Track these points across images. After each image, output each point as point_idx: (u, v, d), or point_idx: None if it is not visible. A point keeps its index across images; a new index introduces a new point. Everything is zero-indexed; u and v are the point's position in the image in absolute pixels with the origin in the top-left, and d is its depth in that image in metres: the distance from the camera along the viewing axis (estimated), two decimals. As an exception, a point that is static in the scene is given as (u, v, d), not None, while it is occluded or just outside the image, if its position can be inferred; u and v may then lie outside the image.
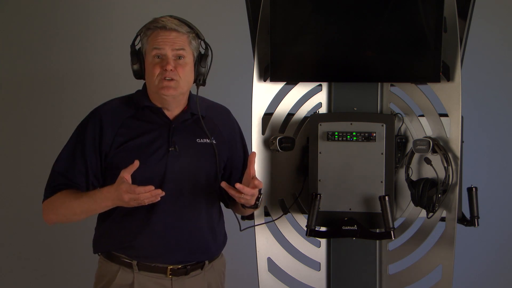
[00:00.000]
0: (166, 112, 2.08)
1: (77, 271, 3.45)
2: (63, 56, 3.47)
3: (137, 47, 2.07)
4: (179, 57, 2.01)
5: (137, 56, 2.06)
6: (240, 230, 2.25)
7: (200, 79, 2.09)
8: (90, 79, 3.48)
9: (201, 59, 2.07)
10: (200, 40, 2.08)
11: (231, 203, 2.18)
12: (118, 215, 2.03)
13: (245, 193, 1.94)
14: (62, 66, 3.47)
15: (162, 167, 2.02)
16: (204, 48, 2.09)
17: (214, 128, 2.14)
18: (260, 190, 2.05)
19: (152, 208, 2.01)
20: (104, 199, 1.94)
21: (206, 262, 2.12)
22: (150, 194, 1.87)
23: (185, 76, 2.03)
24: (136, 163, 1.89)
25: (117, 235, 2.05)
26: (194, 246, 2.07)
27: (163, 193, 1.89)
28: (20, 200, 3.47)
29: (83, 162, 2.03)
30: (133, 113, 2.07)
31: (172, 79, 1.99)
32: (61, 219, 2.06)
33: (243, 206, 2.06)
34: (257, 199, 2.03)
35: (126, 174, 1.88)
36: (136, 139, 2.04)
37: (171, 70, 1.99)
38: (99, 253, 2.12)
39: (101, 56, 3.46)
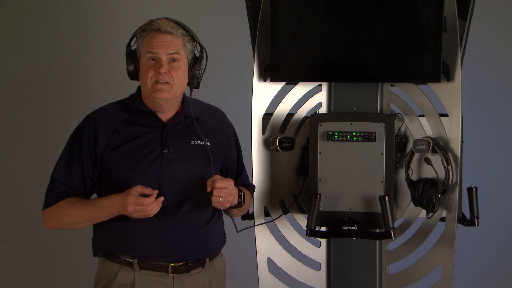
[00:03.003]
0: (160, 115, 2.08)
1: (76, 272, 3.45)
2: (63, 56, 3.47)
3: (132, 48, 2.07)
4: (173, 60, 2.02)
5: (132, 57, 2.06)
6: (237, 232, 2.25)
7: (194, 82, 2.09)
8: (89, 79, 3.48)
9: (195, 62, 2.08)
10: (195, 42, 2.08)
11: None
12: (116, 217, 2.03)
13: (216, 186, 1.98)
14: (62, 66, 3.47)
15: (156, 169, 2.03)
16: (200, 51, 2.10)
17: (209, 131, 2.15)
18: (241, 183, 2.10)
19: None
20: (110, 207, 1.97)
21: (207, 260, 2.12)
22: (156, 203, 1.92)
23: (179, 80, 2.03)
24: (156, 191, 1.94)
25: (117, 236, 2.06)
26: (194, 244, 2.07)
27: (163, 198, 1.95)
28: (20, 200, 3.47)
29: (81, 167, 2.04)
30: (127, 117, 2.08)
31: (165, 82, 2.00)
32: (63, 227, 2.07)
33: (230, 207, 2.08)
34: (239, 196, 2.07)
35: (139, 189, 1.93)
36: (130, 142, 2.04)
37: (165, 73, 1.99)
38: (99, 255, 2.12)
39: (101, 56, 3.46)
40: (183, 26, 2.05)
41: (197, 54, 2.09)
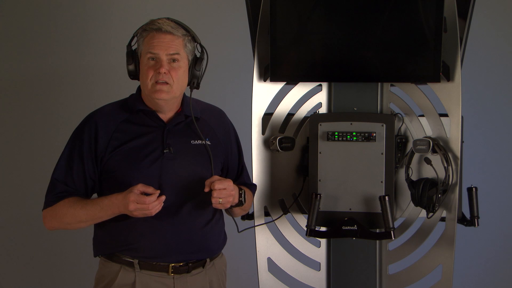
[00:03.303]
0: (160, 115, 2.08)
1: (77, 272, 3.45)
2: (63, 56, 3.47)
3: (133, 47, 2.07)
4: (173, 60, 2.02)
5: (133, 56, 2.06)
6: (238, 232, 2.25)
7: (194, 82, 2.09)
8: (89, 79, 3.48)
9: (196, 63, 2.08)
10: (196, 43, 2.08)
11: None
12: (117, 217, 2.03)
13: (216, 187, 1.97)
14: (62, 66, 3.47)
15: (157, 169, 2.03)
16: (200, 51, 2.09)
17: (209, 130, 2.15)
18: (242, 182, 2.11)
19: None
20: (111, 206, 1.96)
21: (208, 260, 2.12)
22: (158, 202, 1.92)
23: (178, 80, 2.03)
24: (158, 191, 1.93)
25: (118, 237, 2.05)
26: (195, 244, 2.07)
27: (164, 197, 1.95)
28: (20, 200, 3.47)
29: (81, 167, 2.04)
30: (128, 116, 2.08)
31: (165, 83, 2.00)
32: (64, 227, 2.06)
33: (230, 206, 2.08)
34: (240, 195, 2.07)
35: (141, 188, 1.92)
36: (131, 142, 2.04)
37: (165, 73, 1.99)
38: (100, 255, 2.12)
39: (101, 56, 3.47)
40: (184, 26, 2.05)
41: (198, 55, 2.09)
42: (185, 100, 2.13)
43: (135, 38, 2.06)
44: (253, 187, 2.31)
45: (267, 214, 2.45)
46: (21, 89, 3.49)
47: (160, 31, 2.00)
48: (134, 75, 2.08)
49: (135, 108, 2.08)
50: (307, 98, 2.43)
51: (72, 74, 3.48)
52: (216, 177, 2.02)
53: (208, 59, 2.09)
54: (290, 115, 2.44)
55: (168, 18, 2.04)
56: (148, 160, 2.03)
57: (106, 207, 1.97)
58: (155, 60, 2.01)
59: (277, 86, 2.43)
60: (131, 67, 2.06)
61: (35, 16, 3.47)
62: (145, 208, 1.91)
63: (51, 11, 3.47)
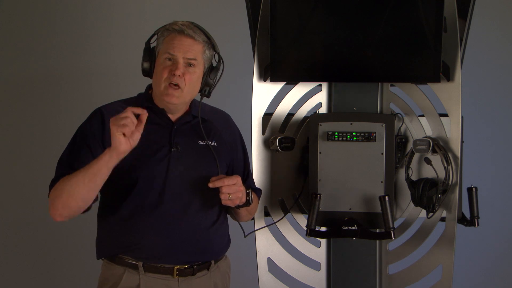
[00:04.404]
0: (169, 114, 2.08)
1: (79, 275, 3.44)
2: (63, 56, 3.47)
3: (152, 45, 2.07)
4: (190, 64, 2.02)
5: (150, 54, 2.06)
6: (245, 236, 2.25)
7: (205, 90, 2.09)
8: (89, 79, 3.48)
9: (211, 71, 2.08)
10: (215, 52, 2.08)
11: (229, 209, 2.17)
12: (121, 218, 2.02)
13: (225, 183, 1.95)
14: (62, 66, 3.47)
15: (164, 167, 2.02)
16: (217, 61, 2.10)
17: (216, 132, 2.15)
18: (248, 186, 2.08)
19: (155, 208, 2.01)
20: (104, 153, 1.87)
21: (212, 262, 2.11)
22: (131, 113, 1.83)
23: (191, 85, 2.03)
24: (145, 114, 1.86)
25: (121, 237, 2.03)
26: (199, 245, 2.06)
27: (146, 113, 1.87)
28: (21, 201, 3.47)
29: (88, 151, 1.99)
30: (136, 114, 2.07)
31: (177, 86, 2.00)
32: (67, 203, 1.92)
33: (238, 206, 2.07)
34: (247, 194, 2.05)
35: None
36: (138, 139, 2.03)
37: (179, 76, 1.99)
38: (103, 258, 2.10)
39: (101, 56, 3.46)
40: (206, 33, 2.05)
41: (214, 64, 2.09)
42: (193, 101, 2.13)
43: (155, 36, 2.05)
44: (258, 192, 2.30)
45: (267, 214, 2.45)
46: (21, 89, 3.49)
47: (182, 33, 2.00)
48: (147, 72, 2.07)
49: (144, 106, 2.07)
50: (307, 98, 2.43)
51: (72, 74, 3.48)
52: (222, 175, 2.01)
53: (223, 70, 2.09)
54: (290, 115, 2.44)
55: (191, 22, 2.04)
56: (156, 157, 2.02)
57: (100, 156, 1.88)
58: (171, 61, 2.01)
59: (277, 86, 2.43)
60: (146, 64, 2.06)
61: (35, 16, 3.47)
62: (121, 115, 1.82)
63: (51, 11, 3.46)
